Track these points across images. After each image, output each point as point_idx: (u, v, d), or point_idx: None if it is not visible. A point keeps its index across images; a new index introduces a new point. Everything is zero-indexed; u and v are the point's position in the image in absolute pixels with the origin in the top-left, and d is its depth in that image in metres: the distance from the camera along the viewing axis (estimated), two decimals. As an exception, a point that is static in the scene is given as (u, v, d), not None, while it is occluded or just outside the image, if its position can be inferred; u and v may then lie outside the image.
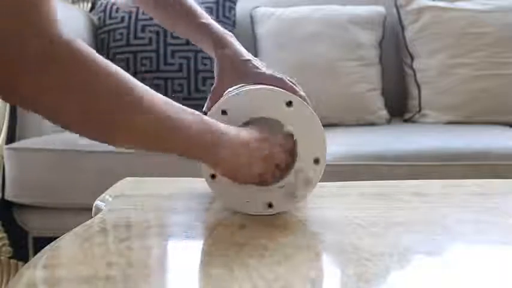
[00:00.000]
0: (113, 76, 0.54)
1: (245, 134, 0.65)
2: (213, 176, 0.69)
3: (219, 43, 0.77)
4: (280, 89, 0.70)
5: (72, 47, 0.52)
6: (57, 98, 0.52)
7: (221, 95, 0.74)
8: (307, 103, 0.70)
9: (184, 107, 0.62)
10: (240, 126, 0.68)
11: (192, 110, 0.62)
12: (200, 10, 0.81)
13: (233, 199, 0.69)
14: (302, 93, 0.72)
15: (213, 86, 0.76)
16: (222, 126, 0.64)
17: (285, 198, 0.69)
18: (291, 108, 0.68)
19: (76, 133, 0.56)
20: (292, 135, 0.69)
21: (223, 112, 0.68)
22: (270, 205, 0.69)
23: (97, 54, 0.54)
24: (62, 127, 0.55)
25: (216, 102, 0.71)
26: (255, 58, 0.77)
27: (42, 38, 0.50)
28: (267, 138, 0.66)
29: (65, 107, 0.53)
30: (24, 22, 0.49)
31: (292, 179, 0.69)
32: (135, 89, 0.56)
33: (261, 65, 0.75)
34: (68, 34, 0.52)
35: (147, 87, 0.58)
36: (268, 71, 0.74)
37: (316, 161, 0.69)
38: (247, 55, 0.76)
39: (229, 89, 0.75)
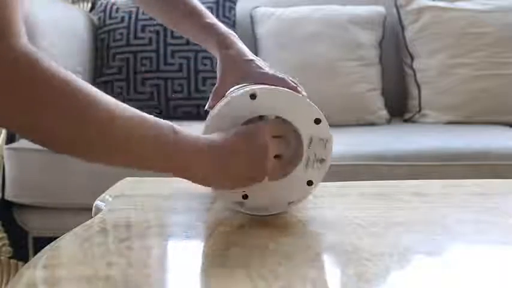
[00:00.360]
0: (78, 95, 0.53)
1: (217, 143, 0.64)
2: None
3: (223, 43, 0.77)
4: (314, 105, 0.69)
5: (33, 62, 0.50)
6: (26, 118, 0.51)
7: (223, 95, 0.74)
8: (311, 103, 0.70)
9: (152, 117, 0.60)
10: (255, 117, 0.68)
11: (164, 122, 0.60)
12: (204, 10, 0.81)
13: (233, 199, 0.69)
14: (304, 93, 0.72)
15: (216, 85, 0.76)
16: (192, 141, 0.62)
17: (300, 188, 0.69)
18: (319, 125, 0.68)
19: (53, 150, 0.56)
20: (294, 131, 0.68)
21: (252, 96, 0.67)
22: (246, 196, 0.69)
23: (59, 71, 0.52)
24: (36, 143, 0.55)
25: (217, 102, 0.71)
26: (258, 58, 0.77)
27: (2, 52, 0.49)
28: (246, 137, 0.65)
29: (35, 126, 0.52)
30: None
31: (303, 168, 0.68)
32: (101, 105, 0.55)
33: (264, 65, 0.75)
34: (30, 49, 0.50)
35: (113, 100, 0.56)
36: (271, 71, 0.74)
37: (309, 183, 0.69)
38: (250, 55, 0.76)
39: (231, 89, 0.75)
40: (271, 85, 0.71)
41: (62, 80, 0.52)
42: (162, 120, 0.60)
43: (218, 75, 0.76)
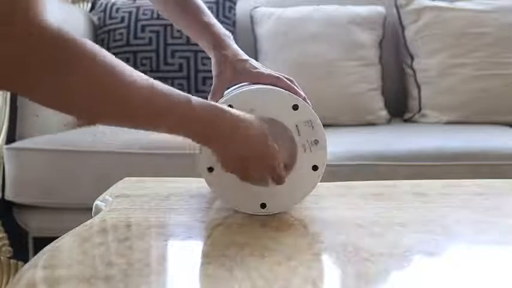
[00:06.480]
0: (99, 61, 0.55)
1: (249, 120, 0.65)
2: (210, 169, 0.69)
3: (219, 44, 0.78)
4: (287, 92, 0.70)
5: (56, 36, 0.51)
6: (54, 82, 0.52)
7: (221, 94, 0.74)
8: (308, 103, 0.70)
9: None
10: None
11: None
12: (203, 8, 0.81)
13: (231, 195, 0.69)
14: (302, 92, 0.73)
15: (212, 86, 0.76)
16: (222, 105, 0.64)
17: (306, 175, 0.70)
18: (299, 111, 0.68)
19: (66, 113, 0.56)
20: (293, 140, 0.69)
21: (230, 107, 0.68)
22: (265, 205, 0.69)
23: (84, 42, 0.54)
24: (41, 103, 0.55)
25: (216, 101, 0.71)
26: (251, 59, 0.78)
27: (25, 25, 0.49)
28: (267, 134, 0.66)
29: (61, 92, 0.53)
30: (10, 7, 0.49)
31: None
32: (124, 70, 0.56)
33: (258, 64, 0.76)
34: (53, 25, 0.51)
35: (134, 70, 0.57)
36: (267, 71, 0.75)
37: (315, 168, 0.70)
38: (244, 55, 0.77)
39: (231, 88, 0.75)
40: (269, 84, 0.72)
41: (88, 48, 0.54)
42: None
43: (214, 74, 0.77)
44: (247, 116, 0.65)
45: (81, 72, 0.53)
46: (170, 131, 0.61)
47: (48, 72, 0.51)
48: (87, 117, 0.57)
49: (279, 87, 0.71)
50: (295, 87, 0.73)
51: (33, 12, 0.50)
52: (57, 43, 0.51)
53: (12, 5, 0.49)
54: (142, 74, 0.58)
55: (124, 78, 0.56)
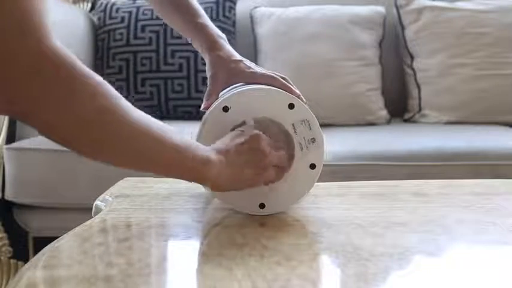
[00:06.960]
0: (98, 95, 0.53)
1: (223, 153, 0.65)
2: None
3: (213, 45, 0.78)
4: (283, 91, 0.70)
5: (60, 61, 0.50)
6: (49, 114, 0.51)
7: (217, 96, 0.74)
8: (303, 101, 0.71)
9: (169, 126, 0.61)
10: (238, 124, 0.69)
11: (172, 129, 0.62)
12: (198, 9, 0.81)
13: (229, 195, 0.70)
14: (297, 91, 0.73)
15: (207, 88, 0.77)
16: (206, 149, 0.64)
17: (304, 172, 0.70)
18: (295, 109, 0.68)
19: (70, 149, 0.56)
20: (289, 134, 0.69)
21: (225, 109, 0.68)
22: (263, 205, 0.69)
23: (91, 72, 0.53)
24: (57, 143, 0.54)
25: (212, 103, 0.72)
26: (246, 59, 0.78)
27: (31, 50, 0.49)
28: (248, 148, 0.66)
29: (56, 123, 0.52)
30: (16, 33, 0.48)
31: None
32: (119, 107, 0.55)
33: (252, 65, 0.77)
34: (59, 48, 0.50)
35: (130, 105, 0.57)
36: (261, 71, 0.75)
37: (312, 166, 0.70)
38: (238, 56, 0.78)
39: (226, 89, 0.75)
40: (264, 84, 0.72)
41: (94, 81, 0.52)
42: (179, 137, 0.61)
43: (208, 76, 0.77)
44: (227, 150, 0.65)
45: (80, 109, 0.52)
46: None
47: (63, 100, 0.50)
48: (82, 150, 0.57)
49: (274, 86, 0.72)
50: (289, 85, 0.73)
51: (44, 33, 0.49)
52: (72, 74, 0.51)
53: (21, 26, 0.48)
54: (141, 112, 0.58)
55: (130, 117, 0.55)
